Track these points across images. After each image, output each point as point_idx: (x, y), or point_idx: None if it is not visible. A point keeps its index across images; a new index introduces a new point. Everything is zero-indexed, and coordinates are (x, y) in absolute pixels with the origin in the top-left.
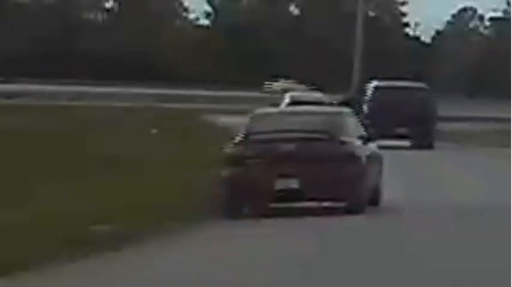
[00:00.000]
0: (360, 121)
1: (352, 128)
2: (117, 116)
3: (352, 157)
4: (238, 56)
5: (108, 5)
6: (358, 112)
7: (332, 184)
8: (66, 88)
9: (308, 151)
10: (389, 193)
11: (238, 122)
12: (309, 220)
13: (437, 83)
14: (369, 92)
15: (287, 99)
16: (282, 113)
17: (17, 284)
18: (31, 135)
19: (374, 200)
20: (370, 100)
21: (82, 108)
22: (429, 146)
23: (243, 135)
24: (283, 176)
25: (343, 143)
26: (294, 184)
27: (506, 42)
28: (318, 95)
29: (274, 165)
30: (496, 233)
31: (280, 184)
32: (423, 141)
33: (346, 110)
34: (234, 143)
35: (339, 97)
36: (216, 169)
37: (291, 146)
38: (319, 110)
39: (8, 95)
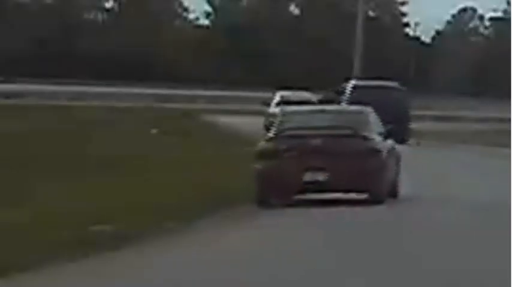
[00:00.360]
0: None
1: (374, 125)
2: (117, 116)
3: (374, 152)
4: (238, 56)
5: (108, 5)
6: None
7: (356, 177)
8: (66, 88)
9: (334, 146)
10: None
11: (237, 122)
12: (331, 210)
13: (437, 83)
14: (348, 91)
15: (277, 98)
16: (309, 111)
17: (16, 285)
18: (31, 135)
19: (393, 192)
20: (348, 98)
21: (82, 108)
22: (402, 141)
23: (274, 132)
24: (311, 169)
25: (366, 139)
26: (320, 176)
27: (506, 42)
28: (306, 95)
29: (303, 159)
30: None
31: (308, 176)
32: (397, 136)
33: (368, 109)
34: (267, 139)
35: (319, 95)
36: (216, 168)
37: (318, 142)
38: (343, 109)
39: (8, 95)
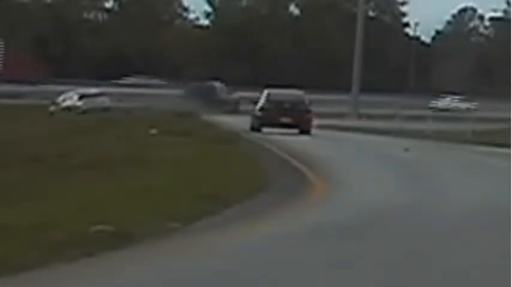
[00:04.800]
0: (181, 99)
1: (307, 100)
2: (117, 116)
3: (309, 111)
4: (238, 56)
5: (108, 5)
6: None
7: (302, 121)
8: (65, 88)
9: (293, 107)
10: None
11: (235, 121)
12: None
13: (437, 83)
14: (187, 86)
15: (76, 95)
16: (280, 93)
17: (16, 285)
18: (31, 135)
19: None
20: (186, 89)
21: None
22: (216, 110)
23: (267, 100)
24: (284, 116)
25: (305, 105)
26: (287, 119)
27: (506, 42)
28: (94, 90)
29: (279, 112)
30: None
31: (282, 120)
32: (213, 108)
33: (302, 92)
34: (263, 103)
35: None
36: (216, 168)
37: (287, 105)
38: (294, 92)
39: (8, 95)
